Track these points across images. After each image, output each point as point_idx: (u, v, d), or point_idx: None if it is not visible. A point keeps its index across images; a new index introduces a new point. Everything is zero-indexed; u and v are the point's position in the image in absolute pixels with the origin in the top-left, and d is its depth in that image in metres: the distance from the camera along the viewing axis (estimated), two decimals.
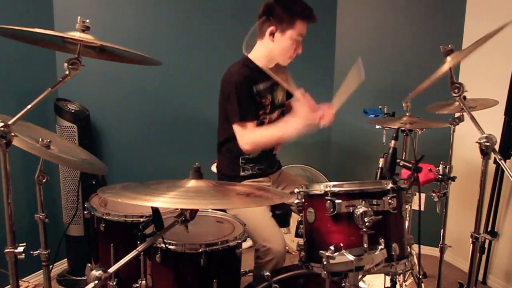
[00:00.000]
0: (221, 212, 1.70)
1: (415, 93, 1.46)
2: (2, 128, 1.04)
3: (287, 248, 2.33)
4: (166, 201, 1.03)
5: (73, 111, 2.32)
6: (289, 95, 2.00)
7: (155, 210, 1.14)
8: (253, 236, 1.67)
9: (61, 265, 2.56)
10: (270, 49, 1.80)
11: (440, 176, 1.95)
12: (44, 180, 1.46)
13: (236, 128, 1.76)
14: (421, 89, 1.42)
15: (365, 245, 1.07)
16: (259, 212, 1.73)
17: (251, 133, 1.75)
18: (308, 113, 1.68)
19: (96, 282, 0.92)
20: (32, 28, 1.11)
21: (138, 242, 1.10)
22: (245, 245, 2.78)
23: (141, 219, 1.59)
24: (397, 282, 2.23)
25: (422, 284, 2.49)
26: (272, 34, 1.76)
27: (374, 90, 3.06)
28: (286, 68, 1.93)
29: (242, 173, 1.88)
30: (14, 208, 1.15)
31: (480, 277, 2.54)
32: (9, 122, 1.06)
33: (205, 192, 1.12)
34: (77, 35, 1.15)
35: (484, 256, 2.51)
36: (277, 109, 1.94)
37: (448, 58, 1.37)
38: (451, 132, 2.04)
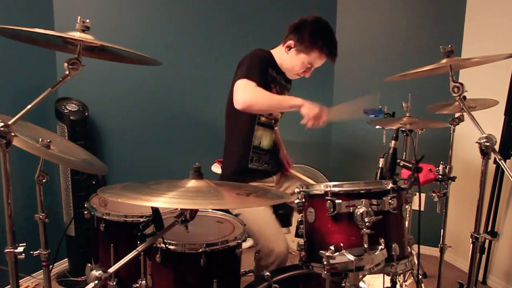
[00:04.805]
0: (221, 212, 1.70)
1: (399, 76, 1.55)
2: (2, 128, 1.04)
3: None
4: (166, 201, 1.03)
5: (71, 113, 2.32)
6: None
7: (155, 210, 1.14)
8: (256, 237, 1.66)
9: (61, 265, 2.56)
10: (282, 58, 1.87)
11: (440, 176, 1.94)
12: (44, 180, 1.46)
13: (239, 82, 1.65)
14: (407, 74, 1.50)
15: (365, 245, 1.07)
16: (262, 213, 1.72)
17: (255, 88, 1.64)
18: (317, 109, 1.59)
19: (96, 282, 0.92)
20: (32, 28, 1.11)
21: (138, 242, 1.10)
22: (245, 245, 2.78)
23: (141, 219, 1.59)
24: (397, 282, 2.23)
25: (422, 284, 2.49)
26: (289, 47, 1.83)
27: (374, 90, 3.06)
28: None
29: (250, 165, 1.86)
30: (14, 208, 1.15)
31: (480, 277, 2.55)
32: (9, 122, 1.05)
33: (205, 192, 1.12)
34: (77, 35, 1.15)
35: (484, 256, 2.51)
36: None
37: (444, 60, 1.38)
38: (451, 132, 2.04)
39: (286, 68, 1.88)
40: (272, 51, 1.90)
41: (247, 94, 1.63)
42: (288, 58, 1.84)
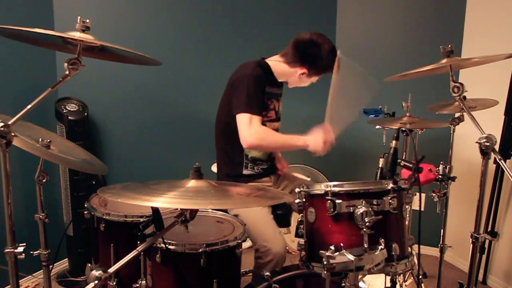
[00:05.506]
0: (221, 212, 1.70)
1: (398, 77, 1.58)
2: (2, 128, 1.04)
3: (287, 248, 2.32)
4: (166, 201, 1.03)
5: (70, 113, 2.32)
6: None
7: (155, 210, 1.14)
8: (253, 237, 1.66)
9: (61, 265, 2.56)
10: (291, 77, 1.87)
11: (440, 176, 1.94)
12: (44, 180, 1.46)
13: (242, 118, 1.68)
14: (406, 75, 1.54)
15: (365, 245, 1.07)
16: (260, 213, 1.72)
17: (259, 126, 1.68)
18: (321, 140, 1.67)
19: (96, 282, 0.92)
20: (32, 28, 1.11)
21: (138, 242, 1.10)
22: (245, 245, 2.77)
23: (141, 219, 1.59)
24: (397, 282, 2.22)
25: (422, 284, 2.48)
26: (302, 74, 1.84)
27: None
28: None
29: (244, 171, 1.87)
30: (14, 208, 1.15)
31: (480, 277, 2.54)
32: (9, 122, 1.06)
33: (205, 192, 1.12)
34: (77, 35, 1.16)
35: (484, 256, 2.51)
36: (278, 120, 1.95)
37: (444, 60, 1.38)
38: (451, 132, 2.04)
39: (292, 82, 1.92)
40: (269, 62, 1.86)
41: (252, 136, 1.66)
42: (299, 81, 1.87)
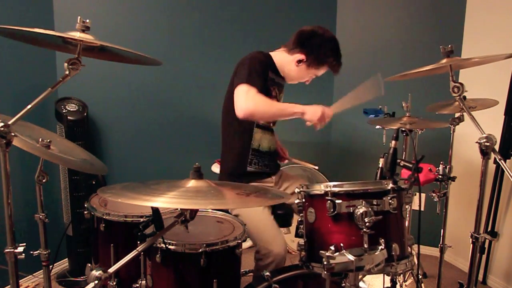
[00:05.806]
0: (221, 212, 1.70)
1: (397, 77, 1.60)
2: (2, 128, 1.04)
3: (287, 249, 2.32)
4: (166, 201, 1.03)
5: (69, 113, 2.32)
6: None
7: (155, 210, 1.14)
8: (254, 238, 1.66)
9: (61, 265, 2.56)
10: (288, 66, 1.88)
11: (440, 176, 1.94)
12: (44, 180, 1.46)
13: (240, 88, 1.65)
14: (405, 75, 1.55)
15: (366, 245, 1.07)
16: (260, 214, 1.72)
17: (255, 94, 1.64)
18: (320, 111, 1.67)
19: (96, 282, 0.92)
20: (32, 28, 1.11)
21: (138, 242, 1.10)
22: (245, 245, 2.78)
23: (141, 219, 1.59)
24: (397, 282, 2.22)
25: (422, 284, 2.49)
26: (299, 61, 1.84)
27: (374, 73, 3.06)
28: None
29: (248, 168, 1.86)
30: (14, 208, 1.15)
31: (480, 277, 2.54)
32: (9, 122, 1.05)
33: (205, 192, 1.12)
34: (77, 35, 1.15)
35: (484, 256, 2.51)
36: None
37: (444, 60, 1.38)
38: (451, 132, 2.04)
39: (292, 77, 1.92)
40: (271, 53, 1.89)
41: (248, 102, 1.63)
42: (297, 70, 1.87)
